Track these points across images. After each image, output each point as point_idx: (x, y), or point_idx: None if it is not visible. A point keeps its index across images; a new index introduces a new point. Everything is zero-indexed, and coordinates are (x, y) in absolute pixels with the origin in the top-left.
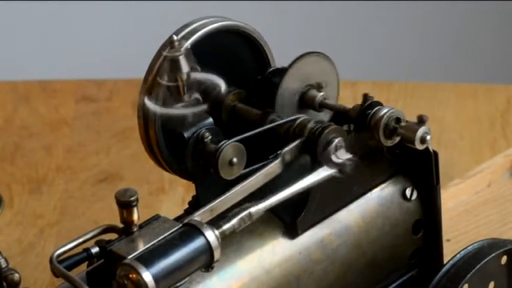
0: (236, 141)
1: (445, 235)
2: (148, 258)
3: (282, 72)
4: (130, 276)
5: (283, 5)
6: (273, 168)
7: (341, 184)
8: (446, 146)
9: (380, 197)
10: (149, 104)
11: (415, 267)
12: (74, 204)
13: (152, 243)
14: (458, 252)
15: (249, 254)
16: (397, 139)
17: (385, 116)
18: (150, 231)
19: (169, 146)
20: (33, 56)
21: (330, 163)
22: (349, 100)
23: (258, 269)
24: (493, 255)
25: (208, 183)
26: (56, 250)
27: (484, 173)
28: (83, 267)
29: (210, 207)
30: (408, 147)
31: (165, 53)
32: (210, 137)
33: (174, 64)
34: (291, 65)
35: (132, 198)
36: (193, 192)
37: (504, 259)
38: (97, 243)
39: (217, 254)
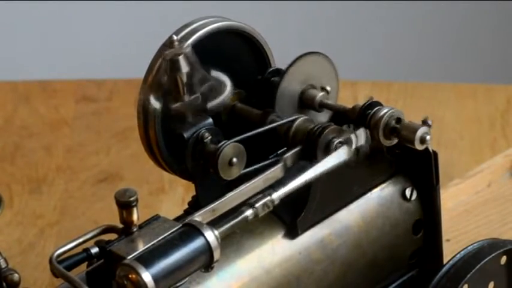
0: (236, 141)
1: (445, 235)
2: (148, 259)
3: (282, 72)
4: (130, 276)
5: (283, 5)
6: (274, 172)
7: (341, 184)
8: (446, 146)
9: (380, 197)
10: (149, 104)
11: (415, 267)
12: (74, 204)
13: (152, 243)
14: (458, 252)
15: (249, 254)
16: (397, 139)
17: (385, 116)
18: (150, 232)
19: (169, 146)
20: (33, 56)
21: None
22: (349, 100)
23: (258, 269)
24: (493, 255)
25: (208, 184)
26: (56, 250)
27: (484, 173)
28: (83, 267)
29: (211, 208)
30: (408, 147)
31: (165, 53)
32: (209, 137)
33: (174, 64)
34: (291, 65)
35: (131, 199)
36: (193, 192)
37: (504, 259)
38: (97, 244)
39: (217, 254)
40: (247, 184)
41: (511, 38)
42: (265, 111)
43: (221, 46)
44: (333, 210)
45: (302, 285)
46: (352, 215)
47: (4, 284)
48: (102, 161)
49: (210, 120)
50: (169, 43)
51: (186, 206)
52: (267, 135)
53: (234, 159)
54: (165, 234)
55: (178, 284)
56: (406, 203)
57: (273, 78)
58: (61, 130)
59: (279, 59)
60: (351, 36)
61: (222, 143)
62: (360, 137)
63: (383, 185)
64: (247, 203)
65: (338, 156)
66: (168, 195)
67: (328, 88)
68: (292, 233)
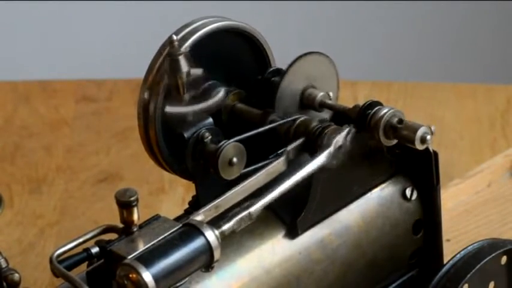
0: (236, 141)
1: (445, 235)
2: (148, 258)
3: (282, 72)
4: (130, 276)
5: (283, 5)
6: (277, 166)
7: (341, 184)
8: (446, 146)
9: (380, 197)
10: (149, 104)
11: (415, 267)
12: (74, 204)
13: (152, 243)
14: (458, 252)
15: (249, 253)
16: (397, 139)
17: (385, 116)
18: (150, 231)
19: (169, 146)
20: (33, 56)
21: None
22: (349, 100)
23: (258, 269)
24: (493, 255)
25: (208, 183)
26: (56, 250)
27: (484, 173)
28: (83, 267)
29: (214, 205)
30: (408, 147)
31: (165, 53)
32: (210, 137)
33: (174, 64)
34: (291, 65)
35: (132, 198)
36: (193, 192)
37: (504, 259)
38: (97, 243)
39: (217, 254)
40: (250, 179)
41: (511, 38)
42: (265, 111)
43: (221, 46)
44: (333, 210)
45: (302, 285)
46: (352, 215)
47: (4, 284)
48: (102, 161)
49: (210, 120)
50: (169, 43)
51: (186, 206)
52: (267, 135)
53: (234, 159)
54: (165, 234)
55: (178, 284)
56: (406, 203)
57: (273, 78)
58: (61, 130)
59: (279, 59)
60: (351, 36)
61: (222, 142)
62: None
63: (383, 185)
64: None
65: (319, 159)
66: (168, 195)
67: (331, 93)
68: (292, 233)
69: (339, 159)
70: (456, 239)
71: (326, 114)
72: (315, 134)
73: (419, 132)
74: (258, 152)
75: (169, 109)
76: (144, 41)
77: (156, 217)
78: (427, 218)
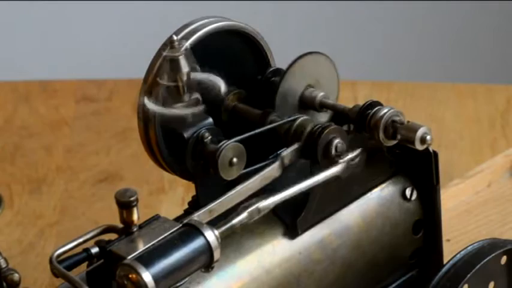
0: (236, 141)
1: (445, 235)
2: (148, 259)
3: (282, 72)
4: (130, 276)
5: (283, 5)
6: (272, 171)
7: (341, 184)
8: (446, 146)
9: (380, 197)
10: (149, 104)
11: (415, 267)
12: (74, 204)
13: (152, 243)
14: (458, 252)
15: (249, 254)
16: (397, 139)
17: (385, 116)
18: (150, 231)
19: (169, 146)
20: (33, 56)
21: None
22: (349, 100)
23: (258, 269)
24: (493, 255)
25: (208, 184)
26: (56, 250)
27: (484, 173)
28: (83, 267)
29: (209, 209)
30: (408, 147)
31: (165, 53)
32: (210, 137)
33: (174, 64)
34: (290, 65)
35: (132, 199)
36: (193, 192)
37: (504, 259)
38: (97, 243)
39: (217, 254)
40: (245, 184)
41: (511, 38)
42: (265, 111)
43: (221, 46)
44: (333, 210)
45: (302, 285)
46: (352, 215)
47: (4, 284)
48: (102, 161)
49: (210, 120)
50: (169, 43)
51: (186, 206)
52: (267, 135)
53: (234, 159)
54: (165, 234)
55: (178, 284)
56: (406, 203)
57: (273, 78)
58: (61, 130)
59: (279, 59)
60: (351, 36)
61: (222, 143)
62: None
63: (383, 185)
64: (247, 205)
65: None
66: (168, 195)
67: (329, 88)
68: (292, 233)
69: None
70: (456, 239)
71: (326, 114)
72: (315, 134)
73: (419, 133)
74: (258, 152)
75: (169, 109)
76: (144, 41)
77: (156, 217)
78: (427, 218)
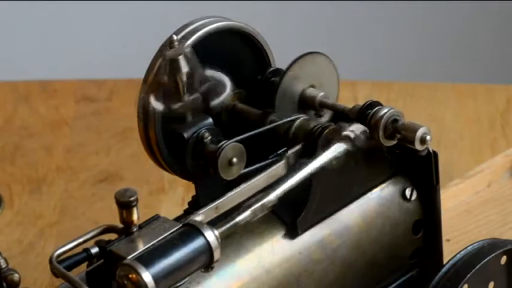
0: (236, 141)
1: (445, 235)
2: (148, 259)
3: (282, 72)
4: (130, 276)
5: (283, 5)
6: (277, 170)
7: (341, 184)
8: (446, 146)
9: (380, 197)
10: (149, 104)
11: (415, 267)
12: (74, 204)
13: (152, 243)
14: (458, 252)
15: (249, 253)
16: (397, 139)
17: (385, 116)
18: (150, 231)
19: (169, 146)
20: (33, 56)
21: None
22: (349, 100)
23: (258, 269)
24: (493, 255)
25: (208, 184)
26: (56, 250)
27: (484, 173)
28: (83, 267)
29: (214, 206)
30: (408, 147)
31: (165, 53)
32: (210, 137)
33: (174, 64)
34: (291, 65)
35: (131, 199)
36: (193, 192)
37: (504, 259)
38: (97, 244)
39: (217, 254)
40: (250, 182)
41: (511, 38)
42: (265, 111)
43: (221, 46)
44: (333, 210)
45: (302, 285)
46: (352, 215)
47: (4, 284)
48: (102, 161)
49: (210, 120)
50: (169, 43)
51: (186, 206)
52: (267, 135)
53: (234, 159)
54: (165, 234)
55: (178, 284)
56: (406, 203)
57: (273, 78)
58: (61, 130)
59: (279, 59)
60: (351, 36)
61: (222, 143)
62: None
63: (383, 185)
64: (246, 204)
65: (335, 150)
66: (168, 195)
67: (328, 88)
68: (292, 233)
69: (339, 159)
70: (456, 239)
71: (326, 115)
72: (315, 134)
73: (419, 133)
74: (258, 152)
75: (169, 109)
76: (144, 41)
77: (156, 217)
78: (427, 218)
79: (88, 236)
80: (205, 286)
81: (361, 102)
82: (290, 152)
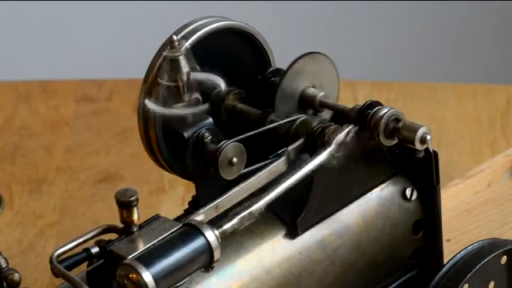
0: (236, 141)
1: (445, 235)
2: (148, 258)
3: (282, 72)
4: (130, 276)
5: (283, 5)
6: (278, 166)
7: (341, 184)
8: (446, 146)
9: (380, 197)
10: (149, 104)
11: (415, 267)
12: (74, 204)
13: (152, 243)
14: (458, 252)
15: (249, 253)
16: (397, 139)
17: (385, 116)
18: (150, 231)
19: (169, 146)
20: (33, 56)
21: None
22: (349, 100)
23: (258, 269)
24: (493, 255)
25: (208, 183)
26: (56, 250)
27: (484, 173)
28: (83, 267)
29: (215, 205)
30: (408, 147)
31: (165, 53)
32: (210, 137)
33: (174, 64)
34: (291, 65)
35: (132, 198)
36: (193, 192)
37: (504, 259)
38: (97, 243)
39: (217, 254)
40: (251, 179)
41: (511, 38)
42: (265, 111)
43: (221, 46)
44: (333, 210)
45: (302, 285)
46: (352, 215)
47: (4, 284)
48: (102, 161)
49: (210, 120)
50: (169, 43)
51: (186, 206)
52: (267, 135)
53: (235, 159)
54: (165, 234)
55: (178, 284)
56: (406, 203)
57: (273, 78)
58: (61, 130)
59: (279, 59)
60: (351, 36)
61: (222, 142)
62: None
63: (383, 185)
64: (247, 204)
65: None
66: (168, 195)
67: (328, 88)
68: (292, 233)
69: (338, 158)
70: (456, 239)
71: (327, 115)
72: (315, 134)
73: (420, 133)
74: (258, 152)
75: (169, 109)
76: (144, 41)
77: (156, 217)
78: (427, 218)
79: (88, 236)
80: (205, 286)
81: (361, 102)
82: (290, 147)
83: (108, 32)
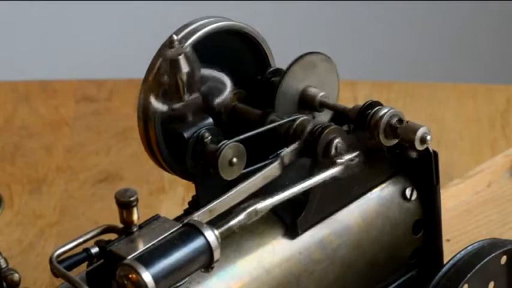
0: (236, 141)
1: (445, 235)
2: (148, 258)
3: (282, 72)
4: (130, 276)
5: (283, 5)
6: (272, 170)
7: (341, 184)
8: (446, 146)
9: (380, 197)
10: (149, 104)
11: (415, 267)
12: (74, 204)
13: (152, 243)
14: (458, 252)
15: (249, 254)
16: (397, 139)
17: (385, 116)
18: (150, 231)
19: (169, 146)
20: (33, 56)
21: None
22: (349, 100)
23: (258, 269)
24: (493, 255)
25: (208, 183)
26: (56, 250)
27: (484, 173)
28: (83, 267)
29: (209, 208)
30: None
31: (165, 53)
32: (210, 137)
33: (174, 64)
34: (291, 65)
35: (132, 199)
36: (193, 192)
37: (504, 259)
38: (97, 243)
39: (217, 254)
40: (245, 183)
41: (511, 38)
42: (265, 111)
43: (221, 46)
44: (333, 210)
45: (302, 285)
46: (352, 215)
47: (4, 284)
48: (102, 161)
49: (210, 120)
50: (169, 43)
51: (186, 206)
52: (267, 135)
53: (235, 159)
54: (165, 234)
55: (178, 284)
56: (406, 203)
57: (273, 78)
58: (61, 130)
59: (279, 59)
60: (351, 36)
61: (222, 143)
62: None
63: (383, 185)
64: (247, 204)
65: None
66: (168, 195)
67: (328, 88)
68: (292, 233)
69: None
70: (456, 239)
71: (327, 115)
72: (315, 133)
73: (419, 133)
74: (258, 152)
75: (169, 109)
76: (144, 41)
77: (156, 217)
78: (427, 218)
79: (88, 236)
80: (205, 286)
81: (361, 102)
82: (284, 152)
83: (108, 32)
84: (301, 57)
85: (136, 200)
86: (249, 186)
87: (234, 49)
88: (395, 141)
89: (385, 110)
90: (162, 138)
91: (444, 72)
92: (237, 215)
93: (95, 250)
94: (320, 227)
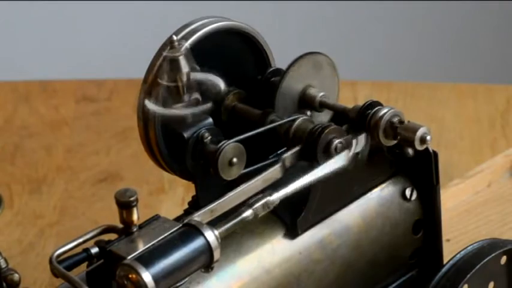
0: (236, 141)
1: (445, 235)
2: (148, 259)
3: (282, 72)
4: (130, 276)
5: (283, 5)
6: (273, 173)
7: (341, 184)
8: (446, 146)
9: (380, 197)
10: (149, 104)
11: (415, 267)
12: (74, 204)
13: (152, 243)
14: (458, 252)
15: (249, 254)
16: (397, 139)
17: (385, 116)
18: (150, 232)
19: (169, 146)
20: (33, 56)
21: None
22: (349, 100)
23: (258, 269)
24: (493, 255)
25: (208, 184)
26: (56, 250)
27: (484, 173)
28: (83, 267)
29: (209, 209)
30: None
31: (165, 53)
32: (209, 137)
33: (174, 64)
34: (291, 65)
35: (131, 199)
36: (193, 192)
37: (504, 259)
38: (97, 244)
39: (217, 254)
40: (246, 185)
41: (511, 38)
42: (265, 111)
43: (221, 46)
44: (333, 210)
45: (302, 285)
46: (352, 215)
47: (4, 284)
48: (102, 161)
49: (210, 120)
50: (169, 43)
51: (186, 206)
52: (267, 135)
53: (234, 159)
54: (165, 234)
55: (178, 284)
56: (406, 203)
57: (273, 78)
58: (61, 130)
59: (279, 59)
60: (351, 36)
61: (222, 143)
62: (360, 142)
63: (383, 185)
64: (247, 204)
65: (337, 161)
66: (168, 195)
67: (329, 88)
68: (292, 233)
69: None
70: (456, 239)
71: (327, 115)
72: (315, 134)
73: (419, 133)
74: (258, 152)
75: (169, 109)
76: (144, 41)
77: (156, 217)
78: (427, 218)
79: (88, 236)
80: (205, 286)
81: (361, 102)
82: (286, 154)
83: (108, 32)
84: (301, 57)
85: (136, 200)
86: (251, 188)
87: (234, 49)
88: (395, 141)
89: (385, 110)
90: (162, 138)
91: (444, 72)
92: (236, 216)
93: (94, 250)
94: (320, 227)
